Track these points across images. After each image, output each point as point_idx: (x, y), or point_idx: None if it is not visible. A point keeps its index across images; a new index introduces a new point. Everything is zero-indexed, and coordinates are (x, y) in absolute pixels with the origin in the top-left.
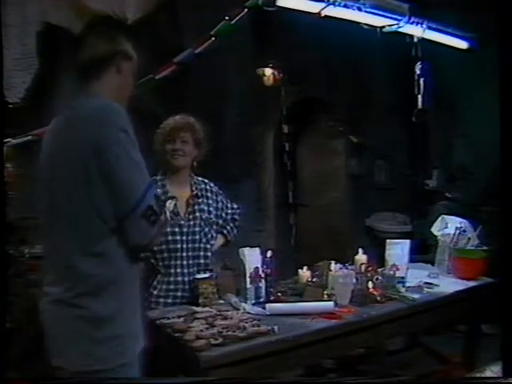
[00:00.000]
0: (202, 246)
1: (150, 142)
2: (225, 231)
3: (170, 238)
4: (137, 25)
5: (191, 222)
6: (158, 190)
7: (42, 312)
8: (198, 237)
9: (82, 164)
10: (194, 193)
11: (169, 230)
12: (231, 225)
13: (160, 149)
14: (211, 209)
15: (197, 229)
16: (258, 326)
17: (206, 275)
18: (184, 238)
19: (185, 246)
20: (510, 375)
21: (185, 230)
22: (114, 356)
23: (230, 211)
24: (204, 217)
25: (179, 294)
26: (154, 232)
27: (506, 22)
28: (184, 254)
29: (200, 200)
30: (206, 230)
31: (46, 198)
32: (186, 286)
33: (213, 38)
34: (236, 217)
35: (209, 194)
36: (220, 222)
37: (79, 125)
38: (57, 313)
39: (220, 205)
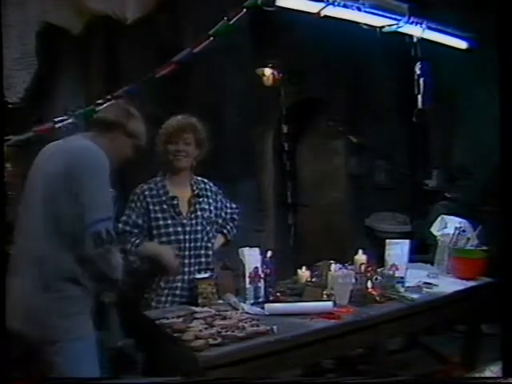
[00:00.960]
0: (203, 244)
1: (149, 142)
2: (225, 231)
3: (173, 237)
4: (136, 24)
5: (193, 221)
6: (160, 191)
7: (20, 300)
8: (199, 236)
9: (65, 184)
10: (196, 192)
11: (171, 230)
12: (231, 224)
13: (162, 149)
14: (211, 208)
15: (199, 228)
16: (257, 325)
17: (206, 275)
18: (187, 237)
19: (187, 245)
20: (510, 375)
21: (187, 229)
22: (75, 328)
23: (229, 211)
24: (205, 216)
25: (178, 292)
26: (98, 253)
27: (506, 22)
28: (186, 253)
29: (201, 199)
30: (208, 228)
31: (30, 204)
32: (186, 285)
33: (211, 38)
34: (235, 216)
35: (209, 194)
36: (219, 221)
37: (69, 156)
38: (37, 297)
39: (219, 204)
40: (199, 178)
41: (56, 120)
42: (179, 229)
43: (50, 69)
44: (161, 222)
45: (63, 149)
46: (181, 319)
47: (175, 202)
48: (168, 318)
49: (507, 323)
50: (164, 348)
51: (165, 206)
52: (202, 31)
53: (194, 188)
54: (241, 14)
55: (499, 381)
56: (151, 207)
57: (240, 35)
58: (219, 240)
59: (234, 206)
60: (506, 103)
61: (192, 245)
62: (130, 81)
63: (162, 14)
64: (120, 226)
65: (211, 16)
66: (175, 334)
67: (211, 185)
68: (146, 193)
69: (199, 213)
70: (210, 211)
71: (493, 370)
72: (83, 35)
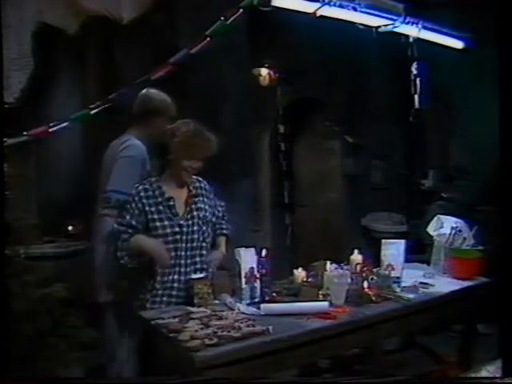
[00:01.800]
0: (199, 244)
1: None
2: (225, 231)
3: (170, 238)
4: (132, 25)
5: (190, 222)
6: (156, 192)
7: None
8: (196, 236)
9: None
10: (192, 193)
11: (169, 231)
12: (225, 222)
13: (174, 158)
14: (207, 207)
15: (195, 228)
16: (253, 326)
17: (202, 275)
18: (184, 237)
19: (184, 245)
20: (509, 375)
21: (184, 229)
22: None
23: (220, 208)
24: (201, 215)
25: (174, 293)
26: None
27: (506, 21)
28: (183, 254)
29: (197, 199)
30: (204, 228)
31: None
32: (183, 286)
33: (208, 39)
34: (225, 213)
35: (204, 193)
36: (213, 219)
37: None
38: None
39: (213, 202)
40: (194, 177)
41: (51, 124)
42: (176, 229)
43: (46, 69)
44: (158, 224)
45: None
46: (177, 319)
47: (171, 203)
48: (164, 319)
49: (506, 323)
50: (160, 348)
51: (161, 207)
52: (198, 31)
53: (191, 188)
54: (237, 14)
55: (498, 381)
56: (147, 208)
57: (236, 35)
58: (222, 242)
59: (222, 203)
60: (506, 103)
61: (189, 245)
62: (127, 82)
63: (158, 14)
64: (115, 226)
65: (208, 16)
66: (171, 335)
67: (205, 183)
68: (142, 194)
69: (195, 213)
70: (205, 210)
71: (489, 370)
72: (79, 35)
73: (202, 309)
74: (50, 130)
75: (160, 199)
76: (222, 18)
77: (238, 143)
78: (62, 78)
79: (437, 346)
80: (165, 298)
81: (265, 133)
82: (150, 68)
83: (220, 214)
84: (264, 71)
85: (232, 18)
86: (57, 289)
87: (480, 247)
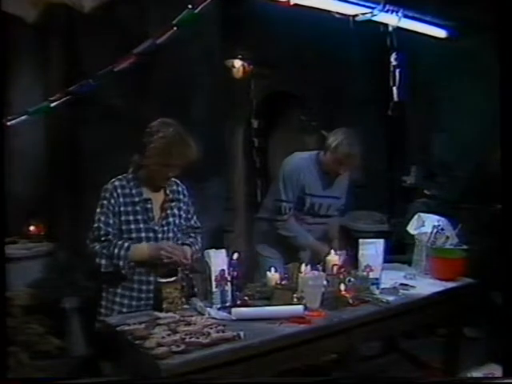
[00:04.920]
0: None
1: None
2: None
3: (144, 243)
4: (95, 13)
5: (165, 228)
6: (133, 191)
7: None
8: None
9: None
10: (169, 197)
11: (143, 235)
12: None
13: (149, 163)
14: (182, 213)
15: (170, 235)
16: (223, 331)
17: (171, 279)
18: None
19: None
20: (509, 375)
21: (159, 235)
22: None
23: (194, 214)
24: (177, 222)
25: (143, 300)
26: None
27: (506, 20)
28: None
29: (173, 204)
30: (178, 236)
31: None
32: (153, 291)
33: (175, 28)
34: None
35: (181, 197)
36: (186, 223)
37: None
38: None
39: (188, 208)
40: (172, 180)
41: (9, 117)
42: (151, 235)
43: (3, 60)
44: (132, 226)
45: None
46: (143, 325)
47: (149, 205)
48: (129, 325)
49: (507, 324)
50: (125, 356)
51: (138, 208)
52: (165, 20)
53: (168, 192)
54: (206, 2)
55: (498, 381)
56: (123, 208)
57: (209, 25)
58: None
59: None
60: (506, 103)
61: None
62: (88, 73)
63: (121, 2)
64: (102, 226)
65: (174, 4)
66: (137, 342)
67: (184, 188)
68: (119, 191)
69: (171, 219)
70: (180, 216)
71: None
72: (39, 24)
73: (170, 314)
74: (9, 123)
75: (137, 199)
76: (190, 7)
77: (209, 139)
78: (20, 69)
79: (420, 350)
80: (133, 307)
81: (238, 128)
82: (113, 59)
83: (192, 222)
84: (237, 63)
85: (200, 7)
86: (18, 293)
87: (464, 246)
